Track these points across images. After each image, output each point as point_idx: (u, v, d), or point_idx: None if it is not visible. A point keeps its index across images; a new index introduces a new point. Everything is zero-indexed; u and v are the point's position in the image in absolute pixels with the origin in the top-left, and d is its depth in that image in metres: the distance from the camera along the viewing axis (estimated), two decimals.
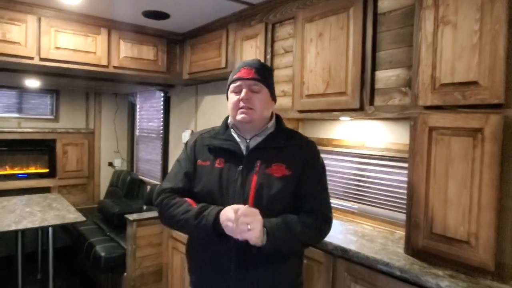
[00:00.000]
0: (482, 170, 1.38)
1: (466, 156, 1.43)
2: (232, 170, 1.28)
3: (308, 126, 2.61)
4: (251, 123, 1.31)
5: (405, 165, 1.96)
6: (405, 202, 1.94)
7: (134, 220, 2.82)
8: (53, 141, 4.40)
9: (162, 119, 4.17)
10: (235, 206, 1.16)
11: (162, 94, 4.15)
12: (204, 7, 2.58)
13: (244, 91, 1.29)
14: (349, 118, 2.20)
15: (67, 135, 4.48)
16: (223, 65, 2.85)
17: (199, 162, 1.34)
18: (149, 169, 4.46)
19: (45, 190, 4.28)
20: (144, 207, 3.61)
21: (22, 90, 4.27)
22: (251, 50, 2.54)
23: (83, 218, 3.09)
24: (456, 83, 1.45)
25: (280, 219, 1.23)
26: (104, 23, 2.89)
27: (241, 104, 1.28)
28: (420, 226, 1.57)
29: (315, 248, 1.87)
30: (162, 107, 4.18)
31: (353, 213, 2.29)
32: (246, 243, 1.17)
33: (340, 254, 1.74)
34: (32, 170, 4.34)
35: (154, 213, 2.92)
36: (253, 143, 1.33)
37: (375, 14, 1.80)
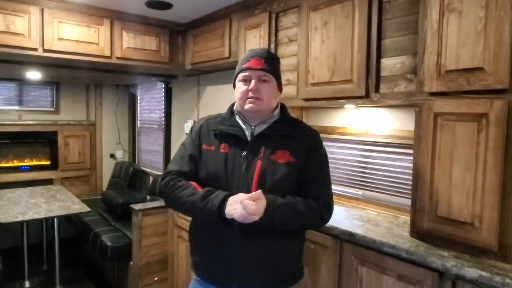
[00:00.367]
0: (487, 154, 1.42)
1: (471, 141, 1.47)
2: (237, 155, 1.31)
3: (312, 115, 2.64)
4: (259, 112, 1.34)
5: (409, 151, 2.00)
6: (409, 187, 1.98)
7: (140, 210, 2.86)
8: (55, 133, 4.40)
9: (163, 110, 4.18)
10: (243, 195, 1.20)
11: (164, 85, 4.15)
12: None
13: (253, 81, 1.31)
14: (354, 106, 2.23)
15: (68, 127, 4.49)
16: (226, 55, 2.86)
17: (204, 146, 1.36)
18: (151, 160, 4.49)
19: (48, 182, 4.30)
20: (148, 198, 3.65)
21: (22, 83, 4.26)
22: (254, 40, 2.55)
23: (88, 209, 3.13)
24: (461, 69, 1.49)
25: (283, 198, 1.27)
26: (107, 13, 2.89)
27: (250, 94, 1.31)
28: (425, 210, 1.61)
29: (321, 233, 1.91)
30: (163, 98, 4.19)
31: (357, 199, 2.34)
32: (248, 225, 1.21)
33: (347, 238, 1.78)
34: (34, 162, 4.36)
35: (159, 203, 2.96)
36: (258, 130, 1.35)
37: (381, 2, 1.82)
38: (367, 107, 2.22)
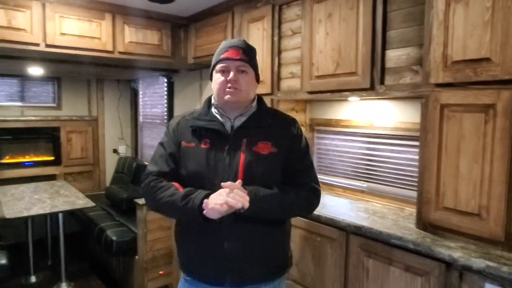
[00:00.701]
0: (494, 145, 1.42)
1: (478, 132, 1.46)
2: (218, 150, 1.29)
3: (316, 107, 2.63)
4: (237, 103, 1.31)
5: (415, 143, 2.00)
6: (414, 179, 1.99)
7: (144, 205, 2.86)
8: (57, 129, 4.40)
9: (166, 105, 4.17)
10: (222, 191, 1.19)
11: (166, 80, 4.14)
12: None
13: (232, 72, 1.28)
14: (359, 98, 2.23)
15: (71, 122, 4.48)
16: None
17: (184, 143, 1.33)
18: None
19: (51, 177, 4.31)
20: None
21: (23, 78, 4.25)
22: (258, 33, 2.54)
23: (92, 204, 3.14)
24: (467, 60, 1.48)
25: (268, 189, 1.26)
26: (108, 7, 2.87)
27: (228, 85, 1.28)
28: (432, 201, 1.61)
29: (327, 225, 1.92)
30: (165, 92, 4.18)
31: (362, 191, 2.34)
32: (237, 220, 1.22)
33: (353, 231, 1.79)
34: (37, 158, 4.36)
35: None
36: (237, 123, 1.33)
37: None
38: (372, 99, 2.21)
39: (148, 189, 1.32)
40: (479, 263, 1.34)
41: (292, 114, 2.57)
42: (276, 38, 2.43)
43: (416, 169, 1.82)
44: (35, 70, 3.64)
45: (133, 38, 3.01)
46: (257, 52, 2.58)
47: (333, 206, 2.18)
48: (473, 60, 1.46)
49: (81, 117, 4.57)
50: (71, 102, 4.53)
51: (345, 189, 2.45)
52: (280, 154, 1.31)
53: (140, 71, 3.95)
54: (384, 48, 1.83)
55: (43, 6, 2.62)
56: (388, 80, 1.82)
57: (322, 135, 2.63)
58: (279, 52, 2.43)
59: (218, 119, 1.34)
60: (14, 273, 3.22)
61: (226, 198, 1.16)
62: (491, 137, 1.42)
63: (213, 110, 1.37)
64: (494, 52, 1.40)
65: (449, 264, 1.44)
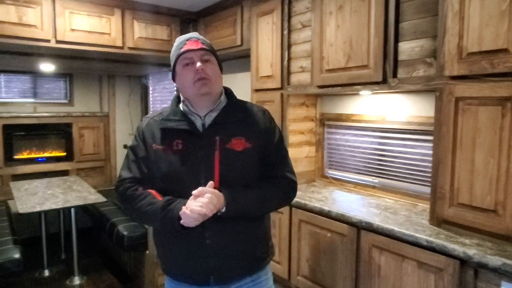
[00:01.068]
0: (511, 139, 1.37)
1: (494, 126, 1.42)
2: (192, 150, 1.24)
3: (326, 102, 2.60)
4: (210, 93, 1.25)
5: (428, 137, 1.96)
6: (428, 175, 1.95)
7: None
8: (69, 125, 4.44)
9: None
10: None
11: None
12: None
13: (197, 62, 1.21)
14: (370, 92, 2.18)
15: (83, 118, 4.52)
16: (238, 42, 2.83)
17: (155, 146, 1.27)
18: None
19: (64, 173, 4.36)
20: None
21: (36, 75, 4.29)
22: (267, 26, 2.51)
23: (104, 199, 3.16)
24: (483, 51, 1.43)
25: (244, 189, 1.23)
26: (117, 3, 2.87)
27: (198, 75, 1.22)
28: (446, 197, 1.58)
29: (338, 221, 1.90)
30: (175, 88, 4.18)
31: (374, 187, 2.31)
32: (218, 221, 1.19)
33: (364, 226, 1.76)
34: (50, 154, 4.41)
35: None
36: (208, 120, 1.28)
37: None
38: (384, 93, 2.17)
39: (124, 198, 1.28)
40: (495, 260, 1.31)
41: (303, 109, 2.56)
42: (285, 32, 2.40)
43: (430, 164, 1.78)
44: (47, 67, 3.68)
45: (143, 34, 3.01)
46: (266, 46, 2.56)
47: (343, 201, 2.15)
48: (490, 51, 1.41)
49: (93, 113, 4.60)
50: (83, 98, 4.57)
51: (356, 184, 2.42)
52: (254, 149, 1.27)
53: (150, 66, 3.95)
54: (396, 40, 1.79)
55: (53, 2, 2.63)
56: (401, 73, 1.78)
57: (333, 130, 2.59)
58: (289, 46, 2.40)
59: (188, 118, 1.28)
60: (28, 267, 3.27)
61: (196, 208, 1.11)
62: (508, 131, 1.38)
63: (182, 108, 1.31)
64: (511, 43, 1.35)
65: (463, 261, 1.40)
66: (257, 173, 1.29)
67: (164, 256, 1.34)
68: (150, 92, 4.83)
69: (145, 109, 4.94)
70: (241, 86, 3.19)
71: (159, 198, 1.23)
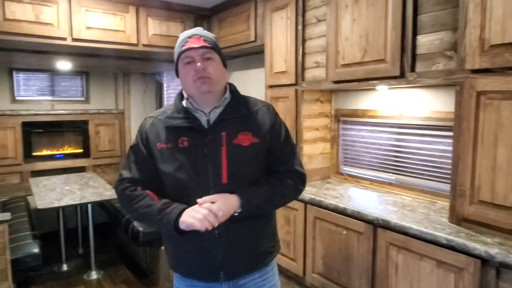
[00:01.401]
0: None
1: None
2: (198, 147, 1.23)
3: (342, 98, 2.56)
4: (211, 92, 1.24)
5: (448, 133, 1.91)
6: (447, 171, 1.90)
7: None
8: (86, 122, 4.51)
9: None
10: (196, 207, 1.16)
11: None
12: None
13: (198, 61, 1.20)
14: (387, 87, 2.14)
15: (99, 115, 4.58)
16: (252, 38, 2.81)
17: (160, 145, 1.26)
18: None
19: (81, 169, 4.43)
20: None
21: (53, 73, 4.37)
22: (281, 21, 2.48)
23: None
24: (507, 43, 1.38)
25: (257, 187, 1.23)
26: (132, 0, 2.88)
27: (198, 74, 1.20)
28: (466, 194, 1.53)
29: (354, 218, 1.87)
30: None
31: (390, 184, 2.26)
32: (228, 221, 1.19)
33: (381, 224, 1.72)
34: (67, 150, 4.49)
35: None
36: (213, 116, 1.26)
37: None
38: (401, 87, 2.12)
39: (123, 198, 1.28)
40: None
41: (317, 105, 2.53)
42: (300, 27, 2.37)
43: (449, 161, 1.73)
44: (64, 65, 3.73)
45: (157, 31, 3.02)
46: (280, 41, 2.53)
47: (359, 198, 2.12)
48: None
49: (109, 110, 4.66)
50: (99, 96, 4.63)
51: (372, 181, 2.37)
52: (261, 144, 1.26)
53: (164, 63, 3.97)
54: (415, 33, 1.74)
55: (69, 0, 2.66)
56: (419, 67, 1.73)
57: (348, 126, 2.55)
58: (303, 41, 2.37)
59: (192, 114, 1.27)
60: (47, 262, 3.34)
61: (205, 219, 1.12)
62: None
63: (186, 105, 1.29)
64: None
65: (485, 261, 1.36)
66: (264, 168, 1.29)
67: (172, 254, 1.34)
68: (165, 89, 4.85)
69: (159, 106, 4.97)
70: (255, 82, 3.17)
71: (157, 200, 1.23)
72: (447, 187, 1.86)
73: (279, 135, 1.31)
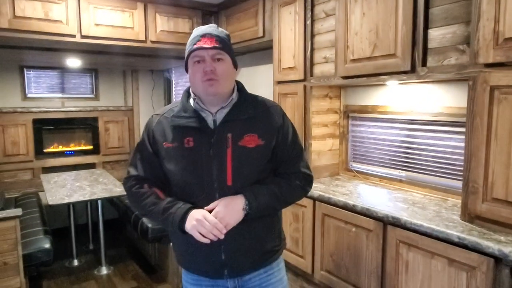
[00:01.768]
0: None
1: None
2: (203, 147, 1.22)
3: (351, 93, 2.53)
4: (218, 94, 1.23)
5: (460, 129, 1.87)
6: (459, 168, 1.86)
7: None
8: (95, 119, 4.54)
9: None
10: (202, 213, 1.16)
11: None
12: None
13: (208, 62, 1.19)
14: (398, 82, 2.10)
15: (108, 112, 4.61)
16: (260, 34, 2.79)
17: (166, 144, 1.25)
18: None
19: (91, 166, 4.48)
20: None
21: (63, 71, 4.40)
22: (289, 17, 2.45)
23: None
24: None
25: (263, 187, 1.23)
26: None
27: (206, 76, 1.19)
28: (479, 192, 1.50)
29: (363, 215, 1.84)
30: None
31: (400, 181, 2.23)
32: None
33: (391, 221, 1.70)
34: (77, 147, 4.54)
35: None
36: (220, 116, 1.25)
37: None
38: (412, 83, 2.08)
39: (130, 195, 1.30)
40: None
41: (326, 101, 2.50)
42: (308, 22, 2.34)
43: (461, 157, 1.70)
44: (73, 62, 3.76)
45: (165, 27, 3.02)
46: (289, 37, 2.51)
47: (369, 195, 2.09)
48: None
49: (118, 107, 4.69)
50: (108, 93, 4.66)
51: (381, 178, 2.34)
52: (267, 146, 1.24)
53: (173, 60, 3.97)
54: (426, 27, 1.70)
55: None
56: (431, 61, 1.69)
57: (358, 122, 2.52)
58: (312, 36, 2.34)
59: (199, 114, 1.26)
60: (58, 257, 3.38)
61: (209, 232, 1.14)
62: None
63: (193, 104, 1.28)
64: None
65: (498, 260, 1.33)
66: (270, 170, 1.28)
67: (179, 250, 1.35)
68: (173, 85, 4.86)
69: (168, 103, 4.98)
70: (264, 78, 3.15)
71: (163, 197, 1.24)
72: (458, 184, 1.82)
73: (286, 137, 1.29)
